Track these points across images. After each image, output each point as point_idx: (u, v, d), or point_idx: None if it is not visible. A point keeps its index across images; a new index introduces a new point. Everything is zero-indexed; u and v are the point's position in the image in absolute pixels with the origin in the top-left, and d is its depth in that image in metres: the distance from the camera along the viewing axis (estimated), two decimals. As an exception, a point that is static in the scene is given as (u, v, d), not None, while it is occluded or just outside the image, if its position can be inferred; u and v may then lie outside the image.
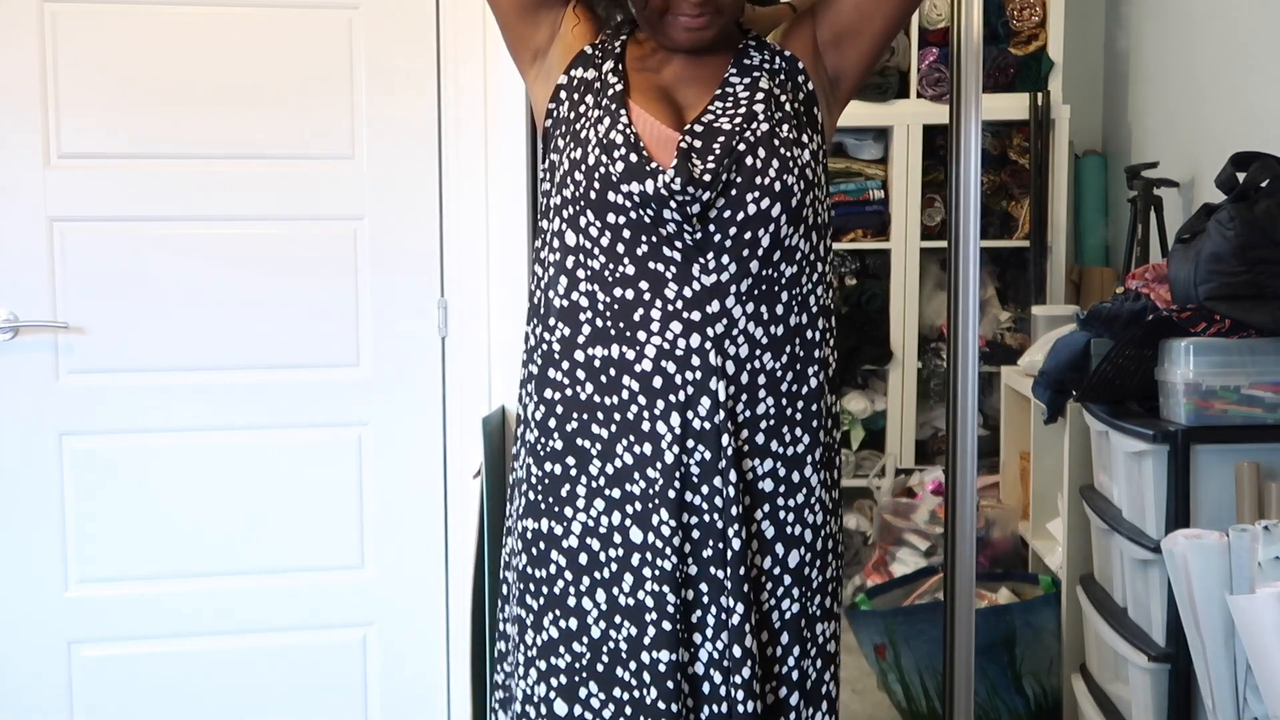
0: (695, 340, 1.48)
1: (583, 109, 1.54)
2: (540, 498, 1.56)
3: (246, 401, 2.51)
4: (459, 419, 2.57)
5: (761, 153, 1.48)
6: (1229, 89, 2.93)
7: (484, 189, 2.51)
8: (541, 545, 1.56)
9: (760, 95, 1.52)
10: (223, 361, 2.49)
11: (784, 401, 1.52)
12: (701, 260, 1.48)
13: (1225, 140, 2.80)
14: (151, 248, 2.46)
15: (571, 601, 1.54)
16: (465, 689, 2.43)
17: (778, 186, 1.47)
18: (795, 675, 1.52)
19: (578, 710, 1.55)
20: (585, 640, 1.54)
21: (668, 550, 1.48)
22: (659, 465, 1.48)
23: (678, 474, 1.48)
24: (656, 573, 1.48)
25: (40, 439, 2.45)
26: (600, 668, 1.53)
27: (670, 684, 1.48)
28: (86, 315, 2.44)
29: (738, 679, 1.47)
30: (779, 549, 1.52)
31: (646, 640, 1.49)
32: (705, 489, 1.49)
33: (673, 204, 1.45)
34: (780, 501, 1.52)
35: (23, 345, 2.43)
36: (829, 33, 1.57)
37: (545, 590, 1.56)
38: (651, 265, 1.49)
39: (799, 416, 1.52)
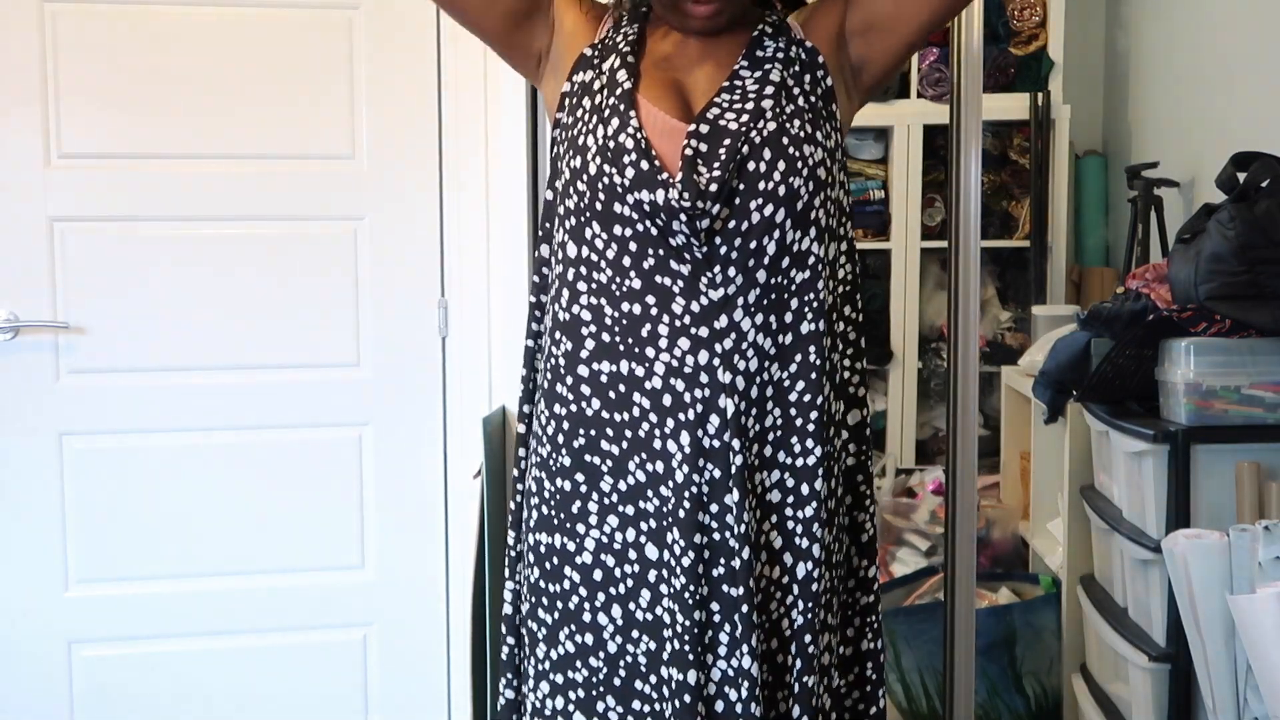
0: (704, 357, 1.44)
1: (580, 113, 1.50)
2: (552, 512, 1.53)
3: (246, 401, 2.51)
4: (459, 419, 2.57)
5: (767, 154, 1.43)
6: (1229, 89, 2.93)
7: (484, 189, 2.51)
8: (555, 560, 1.53)
9: (770, 89, 1.47)
10: (223, 361, 2.49)
11: (792, 412, 1.48)
12: (709, 274, 1.44)
13: (1225, 140, 2.80)
14: (151, 248, 2.46)
15: (587, 617, 1.52)
16: (466, 689, 2.43)
17: (782, 191, 1.43)
18: (797, 688, 1.50)
19: None
20: (602, 655, 1.52)
21: (678, 569, 1.45)
22: (670, 484, 1.45)
23: (688, 493, 1.44)
24: (671, 590, 1.46)
25: (40, 439, 2.45)
26: (618, 682, 1.52)
27: (679, 703, 1.45)
28: (86, 315, 2.45)
29: (741, 694, 1.45)
30: (787, 559, 1.49)
31: (665, 656, 1.47)
32: (715, 507, 1.45)
33: (683, 217, 1.42)
34: (789, 513, 1.49)
35: (23, 345, 2.43)
36: (860, 20, 1.51)
37: (560, 605, 1.54)
38: (658, 279, 1.45)
39: (810, 427, 1.48)
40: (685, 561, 1.44)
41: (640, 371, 1.46)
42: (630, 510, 1.49)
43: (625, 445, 1.48)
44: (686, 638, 1.45)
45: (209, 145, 2.46)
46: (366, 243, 2.53)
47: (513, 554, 1.62)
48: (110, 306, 2.45)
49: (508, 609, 1.63)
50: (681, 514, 1.45)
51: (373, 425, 2.57)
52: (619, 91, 1.47)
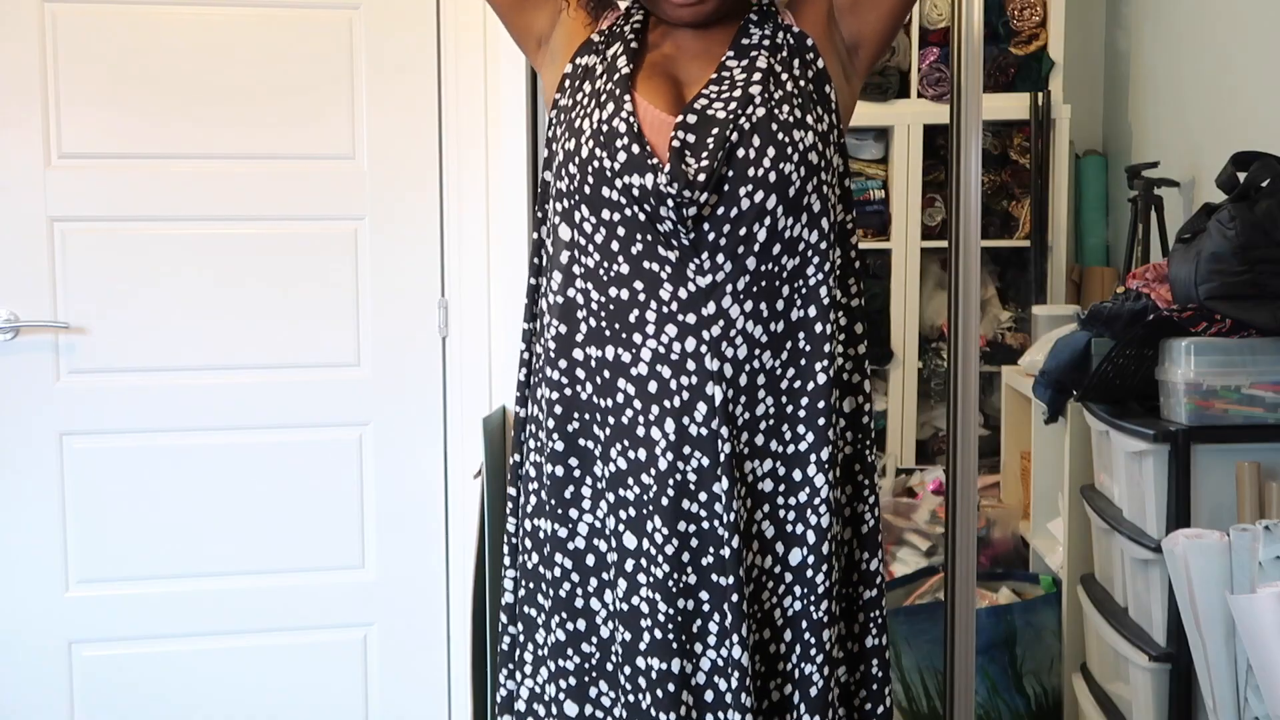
0: (691, 344, 1.44)
1: (579, 97, 1.50)
2: (547, 498, 1.53)
3: (246, 401, 2.51)
4: (459, 419, 2.57)
5: (756, 140, 1.42)
6: (1229, 89, 2.93)
7: (484, 189, 2.51)
8: (548, 547, 1.53)
9: (758, 75, 1.46)
10: (223, 361, 2.49)
11: (784, 399, 1.47)
12: (697, 260, 1.43)
13: (1225, 140, 2.80)
14: (151, 248, 2.46)
15: (579, 603, 1.52)
16: (466, 689, 2.43)
17: (773, 177, 1.42)
18: (797, 675, 1.50)
19: (588, 710, 1.52)
20: (595, 640, 1.52)
21: (660, 558, 1.44)
22: (653, 471, 1.45)
23: (672, 481, 1.44)
24: (651, 580, 1.45)
25: (40, 439, 2.45)
26: (610, 666, 1.51)
27: (660, 692, 1.44)
28: (86, 315, 2.45)
29: (731, 684, 1.45)
30: (779, 548, 1.48)
31: (642, 646, 1.46)
32: (703, 495, 1.44)
33: (669, 203, 1.41)
34: (780, 500, 1.48)
35: (23, 345, 2.43)
36: None
37: (552, 592, 1.54)
38: (646, 265, 1.45)
39: (801, 414, 1.47)
40: (669, 550, 1.44)
41: (627, 357, 1.46)
42: (612, 497, 1.48)
43: (610, 431, 1.48)
44: (670, 626, 1.44)
45: (209, 145, 2.46)
46: (366, 243, 2.53)
47: (513, 541, 1.62)
48: (110, 306, 2.45)
49: (508, 597, 1.63)
50: (664, 502, 1.44)
51: (373, 425, 2.57)
52: (617, 77, 1.48)
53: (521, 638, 1.61)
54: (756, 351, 1.46)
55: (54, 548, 2.48)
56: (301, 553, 2.56)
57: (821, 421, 1.47)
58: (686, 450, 1.44)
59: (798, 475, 1.48)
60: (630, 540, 1.47)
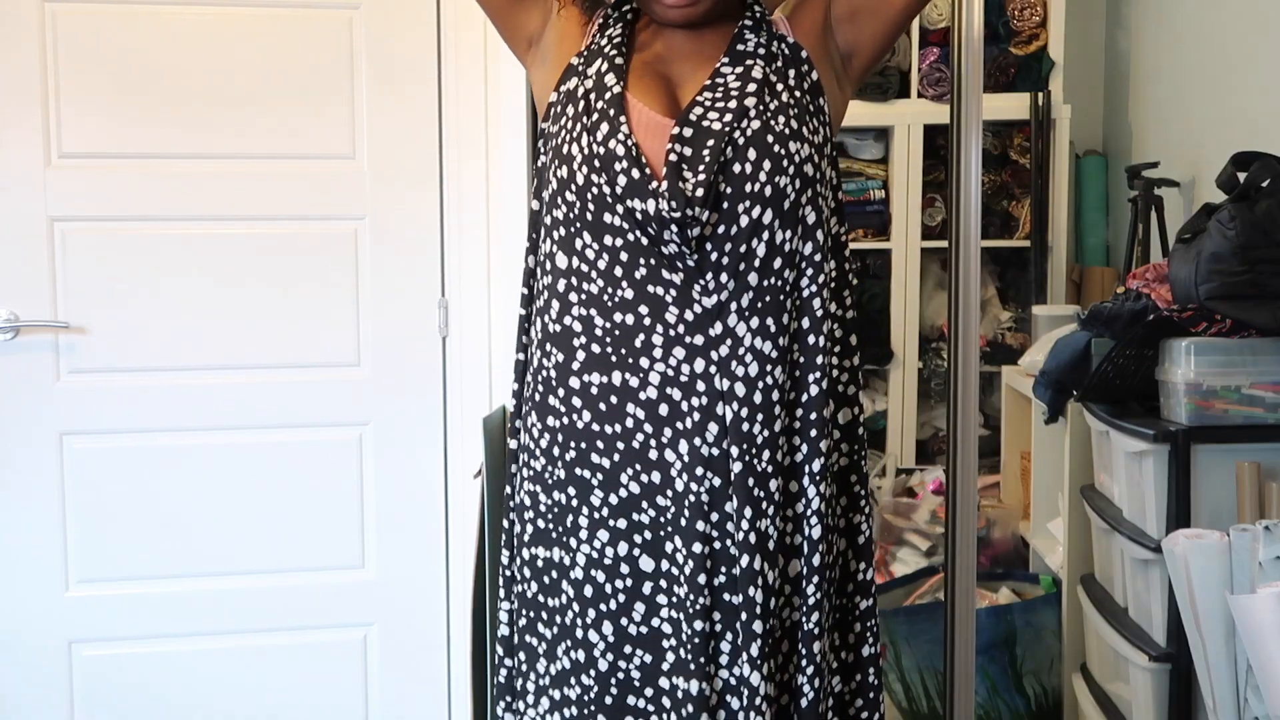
0: (700, 365, 1.43)
1: (565, 121, 1.48)
2: (549, 526, 1.52)
3: (246, 401, 2.51)
4: (459, 419, 2.57)
5: (752, 154, 1.41)
6: (1230, 89, 2.93)
7: (484, 188, 2.51)
8: (554, 574, 1.52)
9: (753, 86, 1.45)
10: (223, 361, 2.49)
11: (787, 413, 1.46)
12: (701, 282, 1.42)
13: (1225, 140, 2.80)
14: (152, 248, 2.46)
15: (579, 633, 1.51)
16: (466, 689, 2.43)
17: (768, 191, 1.41)
18: (792, 685, 1.49)
19: None
20: (593, 673, 1.50)
21: (681, 578, 1.44)
22: (669, 493, 1.44)
23: (688, 501, 1.43)
24: (673, 599, 1.44)
25: (40, 439, 2.45)
26: (609, 700, 1.50)
27: (685, 712, 1.44)
28: (86, 315, 2.45)
29: (742, 703, 1.44)
30: (779, 559, 1.48)
31: (665, 666, 1.46)
32: (715, 515, 1.44)
33: (673, 227, 1.40)
34: (783, 512, 1.47)
35: (23, 345, 2.43)
36: (845, 7, 1.50)
37: (559, 620, 1.52)
38: (651, 289, 1.43)
39: (797, 425, 1.46)
40: (689, 570, 1.43)
41: (634, 382, 1.44)
42: (622, 524, 1.47)
43: (617, 458, 1.46)
44: (689, 645, 1.43)
45: (209, 145, 2.46)
46: (366, 243, 2.53)
47: (507, 573, 1.60)
48: (110, 306, 2.45)
49: (504, 629, 1.61)
50: (683, 523, 1.43)
51: (373, 425, 2.57)
52: (608, 96, 1.45)
53: (524, 667, 1.59)
54: (768, 367, 1.44)
55: (54, 548, 2.48)
56: (301, 553, 2.56)
57: (814, 433, 1.47)
58: (699, 471, 1.43)
59: (794, 487, 1.48)
60: (647, 563, 1.46)
